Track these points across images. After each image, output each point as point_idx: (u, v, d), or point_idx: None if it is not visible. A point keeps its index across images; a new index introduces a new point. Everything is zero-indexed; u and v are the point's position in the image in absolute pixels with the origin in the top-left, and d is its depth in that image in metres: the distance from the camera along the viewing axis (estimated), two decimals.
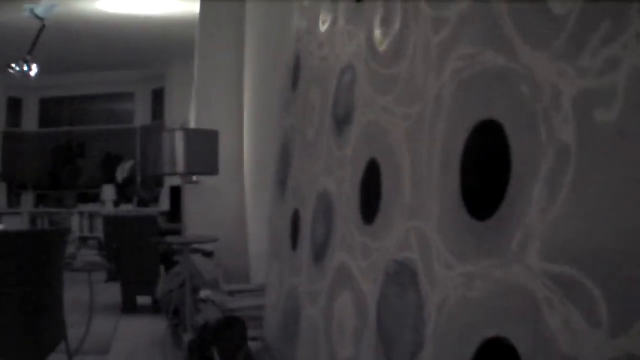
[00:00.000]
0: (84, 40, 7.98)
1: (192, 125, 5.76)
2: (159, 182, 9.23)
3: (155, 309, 5.52)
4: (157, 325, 5.22)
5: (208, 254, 4.71)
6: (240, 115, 5.14)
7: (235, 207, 5.06)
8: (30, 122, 10.33)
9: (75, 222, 9.45)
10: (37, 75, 7.10)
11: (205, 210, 5.02)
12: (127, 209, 9.11)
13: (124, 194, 9.36)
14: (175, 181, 7.99)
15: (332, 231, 1.37)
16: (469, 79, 0.88)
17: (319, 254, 1.45)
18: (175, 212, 7.51)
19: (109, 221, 5.87)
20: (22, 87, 10.03)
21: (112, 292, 5.72)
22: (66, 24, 6.95)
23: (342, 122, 1.36)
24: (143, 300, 5.61)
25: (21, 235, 3.27)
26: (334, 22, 1.58)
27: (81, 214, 9.39)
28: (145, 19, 7.14)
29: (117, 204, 9.24)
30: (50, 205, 9.69)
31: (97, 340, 4.25)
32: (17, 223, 9.46)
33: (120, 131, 10.03)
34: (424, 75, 1.00)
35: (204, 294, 2.44)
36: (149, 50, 8.79)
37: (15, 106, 10.19)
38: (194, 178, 5.17)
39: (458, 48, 0.92)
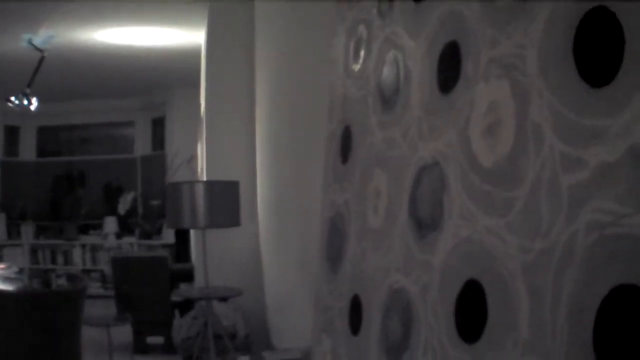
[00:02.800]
0: (82, 69, 7.93)
1: (201, 161, 5.66)
2: (161, 214, 9.14)
3: (167, 349, 5.44)
4: None
5: (224, 299, 4.63)
6: (252, 158, 5.04)
7: (250, 253, 4.97)
8: (27, 150, 10.26)
9: (76, 255, 9.35)
10: (37, 108, 7.04)
11: (219, 255, 4.92)
12: (130, 241, 9.02)
13: (125, 226, 9.27)
14: None
15: (412, 335, 1.30)
16: (611, 238, 0.81)
17: (394, 350, 1.38)
18: (182, 250, 7.43)
19: (118, 262, 5.77)
20: (19, 115, 9.94)
21: (122, 332, 5.64)
22: (64, 53, 6.90)
23: (426, 226, 1.30)
24: (153, 339, 5.54)
25: (40, 295, 3.24)
26: (405, 105, 1.52)
27: (83, 246, 9.30)
28: (146, 50, 7.10)
29: (119, 236, 9.14)
30: (50, 237, 9.60)
31: None
32: (17, 255, 9.35)
33: (120, 161, 9.95)
34: (548, 214, 0.94)
35: None
36: (148, 79, 8.76)
37: (12, 134, 10.12)
38: None
39: (597, 199, 0.85)
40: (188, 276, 5.80)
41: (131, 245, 8.99)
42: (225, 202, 3.46)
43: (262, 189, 4.62)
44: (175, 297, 5.34)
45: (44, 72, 7.48)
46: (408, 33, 1.59)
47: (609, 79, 0.86)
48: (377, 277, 1.54)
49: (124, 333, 5.60)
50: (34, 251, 9.56)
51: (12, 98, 6.71)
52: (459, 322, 1.15)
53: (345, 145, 1.91)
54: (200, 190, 3.40)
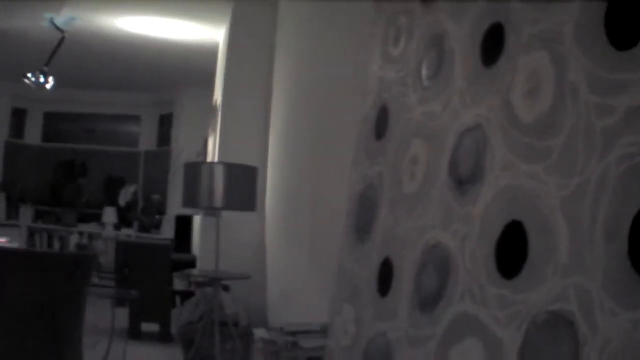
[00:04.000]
0: (97, 57, 8.02)
1: (212, 156, 5.81)
2: (160, 209, 9.26)
3: (162, 337, 5.53)
4: (164, 353, 5.24)
5: (225, 288, 4.75)
6: (264, 148, 5.22)
7: (255, 243, 5.10)
8: (33, 134, 10.37)
9: (73, 242, 9.43)
10: (53, 87, 7.08)
11: (223, 243, 5.05)
12: (128, 233, 9.13)
13: (124, 218, 9.38)
14: (182, 210, 8.03)
15: (448, 284, 1.44)
16: (638, 165, 0.99)
17: (428, 303, 1.52)
18: (182, 242, 7.54)
19: (122, 246, 5.88)
20: (27, 98, 10.07)
21: (117, 317, 5.73)
22: (82, 38, 6.99)
23: (466, 181, 1.45)
24: (148, 327, 5.62)
25: (50, 255, 3.31)
26: (446, 81, 1.67)
27: (80, 233, 9.40)
28: (163, 43, 7.22)
29: (117, 227, 9.25)
30: (48, 222, 9.68)
31: None
32: (15, 236, 9.42)
33: (124, 153, 10.09)
34: (584, 155, 1.11)
35: (258, 333, 2.47)
36: (160, 74, 8.89)
37: (19, 117, 10.24)
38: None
39: (627, 136, 1.03)
40: (189, 265, 5.91)
41: (129, 237, 9.08)
42: (243, 186, 3.55)
43: (273, 177, 4.77)
44: (181, 281, 5.45)
45: (57, 56, 7.62)
46: (452, 18, 1.75)
47: (632, 43, 1.08)
48: (411, 237, 1.68)
49: (117, 318, 5.71)
50: (31, 234, 9.64)
51: (29, 75, 6.74)
52: (499, 262, 1.29)
53: (381, 124, 2.06)
54: (219, 172, 3.51)
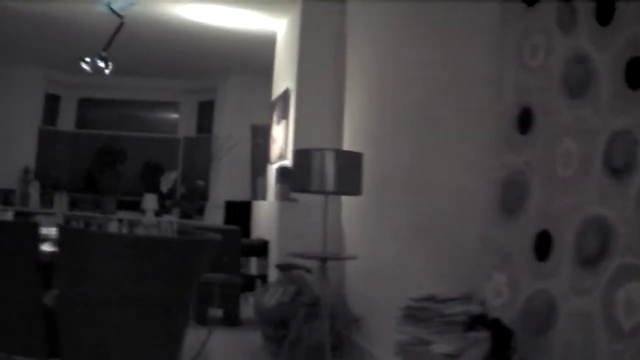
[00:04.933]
0: (138, 44, 8.55)
1: (284, 141, 6.50)
2: (204, 195, 10.00)
3: (229, 321, 6.21)
4: (241, 337, 5.95)
5: (308, 270, 5.44)
6: (338, 133, 5.96)
7: (331, 226, 5.81)
8: (66, 121, 11.04)
9: (112, 229, 10.12)
10: (111, 74, 7.46)
11: (301, 228, 5.76)
12: (170, 219, 9.85)
13: (163, 205, 10.10)
14: (232, 196, 8.77)
15: (609, 244, 2.16)
16: None
17: (590, 260, 2.23)
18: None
19: (184, 234, 6.52)
20: (61, 84, 10.75)
21: None
22: (131, 25, 7.32)
23: (620, 171, 2.16)
24: (212, 312, 6.21)
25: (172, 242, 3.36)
26: (594, 94, 2.38)
27: (120, 221, 10.12)
28: (212, 30, 7.78)
29: (158, 213, 9.97)
30: (84, 209, 10.38)
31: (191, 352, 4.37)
32: (50, 224, 10.06)
33: (161, 140, 10.81)
34: None
35: (407, 302, 3.11)
36: (202, 61, 9.48)
37: (52, 103, 10.89)
38: (291, 196, 5.93)
39: None
40: (257, 250, 6.60)
41: (170, 223, 9.81)
42: (350, 171, 4.22)
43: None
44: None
45: (93, 42, 8.16)
46: (595, 46, 2.44)
47: None
48: (569, 212, 2.39)
49: None
50: (67, 222, 10.32)
51: (87, 59, 7.24)
52: None
53: (524, 122, 2.77)
54: (330, 158, 4.17)
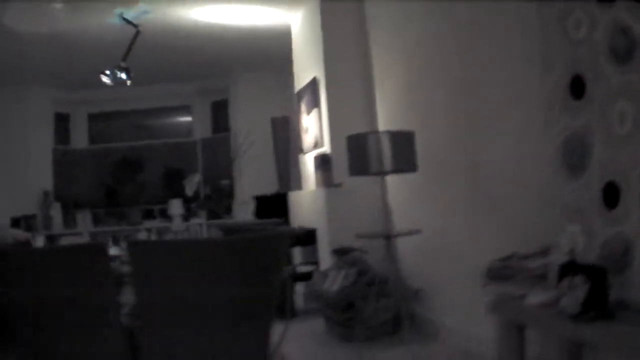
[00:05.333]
0: (145, 51, 8.87)
1: (318, 129, 6.96)
2: (230, 193, 10.49)
3: (282, 314, 6.65)
4: (294, 328, 6.35)
5: (364, 252, 5.93)
6: (372, 116, 6.45)
7: (377, 208, 6.29)
8: (79, 138, 11.47)
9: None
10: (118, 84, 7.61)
11: (348, 212, 6.25)
12: (198, 222, 10.35)
13: (189, 208, 10.58)
14: (258, 191, 9.24)
15: None
16: None
17: None
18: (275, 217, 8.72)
19: (230, 232, 6.93)
20: (69, 102, 11.17)
21: None
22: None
23: None
24: None
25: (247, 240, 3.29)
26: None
27: (149, 230, 10.59)
28: (220, 30, 8.14)
29: (186, 218, 10.46)
30: (109, 223, 10.85)
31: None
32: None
33: (178, 145, 11.29)
34: None
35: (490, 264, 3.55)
36: (212, 62, 9.86)
37: (62, 122, 11.26)
38: (335, 182, 6.42)
39: None
40: (304, 239, 7.07)
41: (200, 226, 10.31)
42: (405, 150, 4.66)
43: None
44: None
45: (101, 56, 8.46)
46: (635, 18, 2.92)
47: None
48: (631, 163, 2.88)
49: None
50: (93, 239, 10.78)
51: (107, 72, 7.30)
52: None
53: (578, 88, 3.25)
54: (385, 139, 4.60)
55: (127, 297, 3.14)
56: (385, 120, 6.23)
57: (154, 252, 3.00)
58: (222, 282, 2.95)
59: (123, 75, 7.38)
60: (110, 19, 7.26)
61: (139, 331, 3.02)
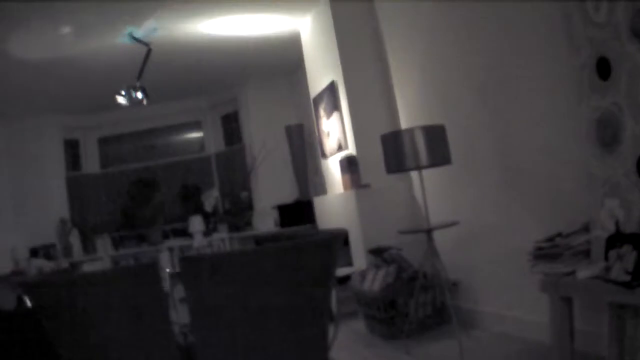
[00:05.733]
0: (153, 70, 9.01)
1: (341, 133, 7.26)
2: (249, 205, 10.79)
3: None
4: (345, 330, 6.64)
5: (399, 249, 6.21)
6: (393, 115, 6.75)
7: (406, 206, 6.60)
8: (90, 163, 11.77)
9: (164, 260, 10.83)
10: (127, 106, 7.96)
11: (379, 211, 6.54)
12: (220, 237, 10.63)
13: (208, 223, 10.88)
14: (277, 200, 9.54)
15: None
16: None
17: None
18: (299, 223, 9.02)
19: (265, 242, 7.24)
20: (77, 128, 11.48)
21: None
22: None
23: None
24: None
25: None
26: None
27: (171, 250, 10.86)
28: (227, 42, 8.35)
29: (207, 233, 10.74)
30: (129, 246, 11.15)
31: None
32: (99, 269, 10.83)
33: (191, 161, 11.60)
34: None
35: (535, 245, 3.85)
36: (221, 74, 10.11)
37: (72, 149, 11.55)
38: (362, 182, 6.71)
39: None
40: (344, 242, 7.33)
41: (222, 240, 10.60)
42: (438, 144, 4.92)
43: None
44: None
45: (101, 81, 8.70)
46: None
47: None
48: None
49: None
50: (115, 263, 11.09)
51: (122, 92, 7.75)
52: None
53: (604, 69, 3.56)
54: (419, 135, 4.87)
55: (181, 315, 3.20)
56: (407, 117, 6.53)
57: (206, 266, 2.93)
58: (278, 290, 2.93)
59: (139, 95, 7.74)
60: (119, 39, 7.53)
61: (194, 349, 3.02)
